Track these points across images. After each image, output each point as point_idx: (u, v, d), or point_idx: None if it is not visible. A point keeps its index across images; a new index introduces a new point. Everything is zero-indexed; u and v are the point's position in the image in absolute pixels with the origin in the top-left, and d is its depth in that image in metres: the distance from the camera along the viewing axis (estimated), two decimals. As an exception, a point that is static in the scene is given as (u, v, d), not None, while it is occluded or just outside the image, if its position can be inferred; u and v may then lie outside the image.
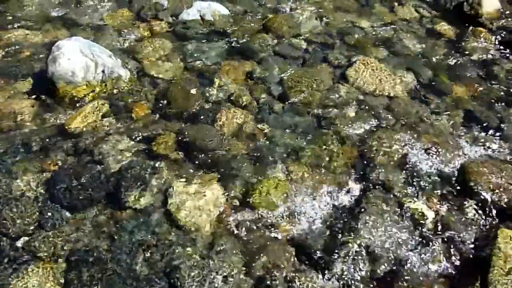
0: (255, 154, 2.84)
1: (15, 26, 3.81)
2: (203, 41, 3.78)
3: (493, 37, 4.11)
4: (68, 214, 2.45)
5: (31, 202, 2.46)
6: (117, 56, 3.35)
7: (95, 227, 2.39)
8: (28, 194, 2.51)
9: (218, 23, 3.95)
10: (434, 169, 2.83)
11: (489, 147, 3.01)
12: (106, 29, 3.85)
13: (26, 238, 2.32)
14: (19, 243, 2.30)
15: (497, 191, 2.66)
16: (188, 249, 2.30)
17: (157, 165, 2.71)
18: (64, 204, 2.47)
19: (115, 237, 2.33)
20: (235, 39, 3.83)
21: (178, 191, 2.55)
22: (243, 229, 2.43)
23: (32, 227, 2.36)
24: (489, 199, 2.63)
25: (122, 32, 3.82)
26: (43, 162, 2.70)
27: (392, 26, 4.20)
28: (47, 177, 2.61)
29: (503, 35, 4.13)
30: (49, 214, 2.42)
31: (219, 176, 2.68)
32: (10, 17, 3.91)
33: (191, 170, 2.71)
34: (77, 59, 3.06)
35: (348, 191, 2.67)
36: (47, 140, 2.84)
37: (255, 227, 2.44)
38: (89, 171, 2.63)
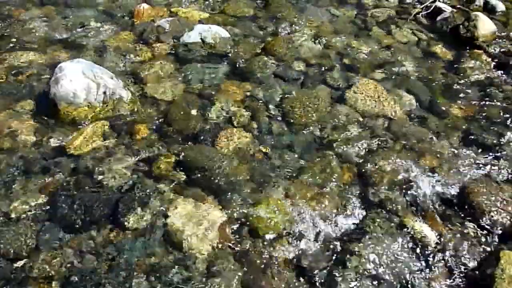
0: (255, 175, 2.85)
1: (19, 48, 3.86)
2: (204, 63, 3.83)
3: (490, 59, 4.17)
4: (66, 235, 2.43)
5: (30, 223, 2.44)
6: (119, 77, 3.39)
7: (94, 249, 2.37)
8: (27, 214, 2.50)
9: (218, 46, 4.01)
10: (435, 189, 2.83)
11: (489, 168, 3.02)
12: (108, 51, 3.91)
13: (24, 260, 2.29)
14: (16, 265, 2.27)
15: (499, 212, 2.65)
16: (187, 270, 2.27)
17: (157, 186, 2.71)
18: (62, 225, 2.46)
19: (114, 259, 2.30)
20: (235, 61, 3.88)
21: (178, 212, 2.54)
22: (243, 250, 2.41)
23: (30, 249, 2.34)
24: (491, 220, 2.62)
25: (124, 54, 3.88)
26: (42, 183, 2.70)
27: (390, 48, 4.26)
28: (46, 197, 2.60)
29: (499, 57, 4.19)
30: (48, 235, 2.41)
31: (219, 196, 2.68)
32: (15, 40, 3.98)
33: (191, 191, 2.70)
34: (79, 81, 3.10)
35: (348, 212, 2.67)
36: (47, 160, 2.85)
37: (254, 248, 2.42)
38: (89, 192, 2.63)
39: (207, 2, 4.87)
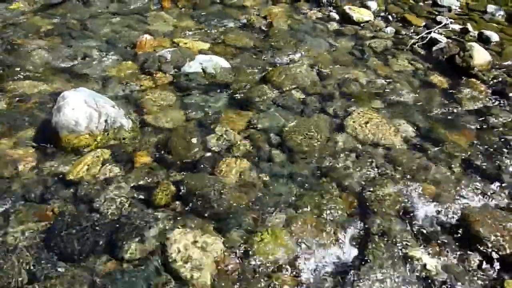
0: (254, 203, 2.83)
1: (23, 77, 3.93)
2: (205, 92, 3.88)
3: (486, 87, 4.23)
4: (64, 265, 2.39)
5: (26, 252, 2.41)
6: (120, 106, 3.43)
7: (91, 279, 2.32)
8: (24, 243, 2.47)
9: (219, 76, 4.08)
10: (436, 218, 2.82)
11: (490, 196, 3.01)
12: (111, 80, 3.98)
13: (19, 291, 2.26)
14: (11, 296, 2.23)
15: (501, 240, 2.62)
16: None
17: (156, 214, 2.69)
18: (59, 255, 2.43)
19: (111, 290, 2.27)
20: (235, 90, 3.94)
21: (177, 241, 2.51)
22: (243, 280, 2.36)
23: (26, 279, 2.30)
24: (494, 249, 2.59)
25: (126, 83, 3.94)
26: (41, 211, 2.68)
27: (388, 77, 4.34)
28: (44, 226, 2.58)
29: (495, 86, 4.26)
30: (44, 265, 2.37)
31: (218, 225, 2.66)
32: (18, 69, 4.05)
33: (190, 220, 2.68)
34: (81, 109, 3.14)
35: (349, 241, 2.64)
36: (46, 188, 2.85)
37: (254, 278, 2.38)
38: (87, 221, 2.61)
39: (208, 33, 4.99)
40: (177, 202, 2.80)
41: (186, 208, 2.77)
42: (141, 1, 5.78)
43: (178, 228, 2.61)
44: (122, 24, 5.05)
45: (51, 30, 4.80)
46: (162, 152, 3.21)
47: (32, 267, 2.35)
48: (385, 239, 2.65)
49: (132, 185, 2.91)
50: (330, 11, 5.76)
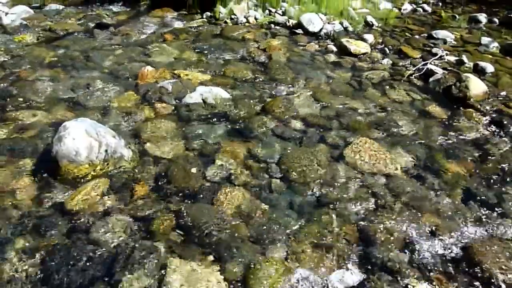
0: (254, 234, 2.80)
1: (26, 107, 3.98)
2: (205, 122, 3.92)
3: (483, 117, 4.28)
4: (59, 298, 2.35)
5: (21, 285, 2.36)
6: (121, 136, 3.46)
7: (87, 313, 2.28)
8: (19, 275, 2.42)
9: (219, 106, 4.13)
10: (438, 249, 2.78)
11: (492, 226, 2.98)
12: (112, 110, 4.02)
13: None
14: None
15: (505, 271, 2.58)
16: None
17: (154, 245, 2.66)
18: (55, 287, 2.38)
19: (107, 324, 2.21)
20: (235, 121, 3.98)
21: (176, 273, 2.47)
22: (242, 314, 2.31)
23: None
24: (498, 280, 2.54)
25: (127, 114, 3.99)
26: (38, 241, 2.65)
27: (386, 108, 4.39)
28: (40, 257, 2.54)
29: (492, 116, 4.31)
30: (39, 298, 2.33)
31: (218, 257, 2.62)
32: (21, 99, 4.10)
33: (189, 251, 2.65)
34: (82, 139, 3.16)
35: (350, 273, 2.59)
36: (44, 218, 2.82)
37: (254, 313, 2.32)
38: (85, 252, 2.57)
39: (209, 65, 5.10)
40: (176, 233, 2.77)
41: (185, 239, 2.74)
42: (144, 33, 5.94)
43: (176, 259, 2.57)
44: (125, 56, 5.17)
45: (54, 61, 4.91)
46: (162, 182, 3.21)
47: (26, 300, 2.31)
48: (387, 270, 2.61)
49: (130, 215, 2.88)
50: (328, 43, 5.91)
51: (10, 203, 2.92)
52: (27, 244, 2.63)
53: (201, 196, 3.08)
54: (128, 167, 3.30)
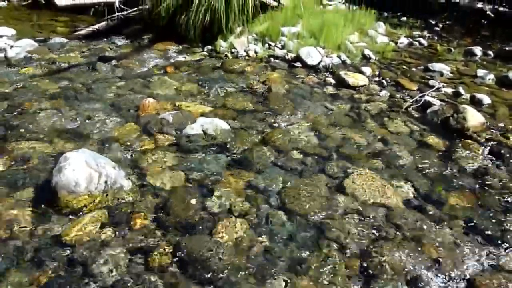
0: (254, 267, 2.76)
1: (27, 138, 4.00)
2: (205, 153, 3.94)
3: (482, 148, 4.30)
4: (53, 334, 2.29)
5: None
6: (121, 167, 3.46)
7: None
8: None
9: (219, 137, 4.16)
10: (441, 282, 2.73)
11: (494, 258, 2.95)
12: (113, 141, 4.05)
13: None
14: None
15: (509, 307, 2.53)
16: None
17: (152, 278, 2.61)
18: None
19: None
20: (235, 152, 4.00)
21: (173, 307, 2.42)
22: None
23: None
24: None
25: (128, 145, 4.01)
26: (34, 274, 2.61)
27: (384, 139, 4.42)
28: (37, 291, 2.50)
29: (490, 146, 4.34)
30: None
31: (216, 290, 2.58)
32: (23, 130, 4.13)
33: (188, 284, 2.60)
34: (81, 170, 3.16)
35: (352, 308, 2.54)
36: (41, 250, 2.79)
37: None
38: (81, 285, 2.52)
39: (209, 97, 5.18)
40: (175, 265, 2.73)
41: (183, 271, 2.69)
42: (146, 66, 6.06)
43: (175, 293, 2.52)
44: (126, 88, 5.25)
45: (57, 93, 4.97)
46: (161, 213, 3.19)
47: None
48: (390, 305, 2.56)
49: (129, 247, 2.85)
50: (326, 76, 6.02)
51: (7, 234, 2.89)
52: (24, 277, 2.58)
53: (200, 227, 3.05)
54: (128, 198, 3.29)
